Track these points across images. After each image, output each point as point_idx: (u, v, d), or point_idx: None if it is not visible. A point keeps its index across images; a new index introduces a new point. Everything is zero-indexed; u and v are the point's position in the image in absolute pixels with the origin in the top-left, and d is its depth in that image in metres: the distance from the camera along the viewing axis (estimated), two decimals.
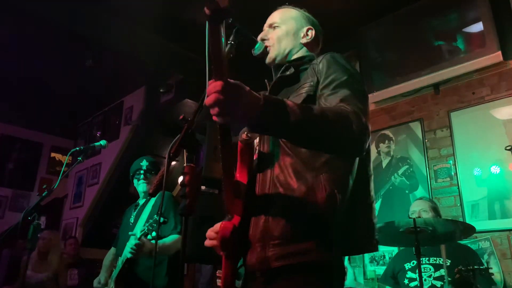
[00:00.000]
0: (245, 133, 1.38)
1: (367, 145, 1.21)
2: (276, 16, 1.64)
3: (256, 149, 1.47)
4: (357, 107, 1.20)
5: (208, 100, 0.97)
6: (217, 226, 1.43)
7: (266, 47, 1.58)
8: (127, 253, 2.69)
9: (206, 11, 0.88)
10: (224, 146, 1.17)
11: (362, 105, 1.24)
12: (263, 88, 1.68)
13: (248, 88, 1.03)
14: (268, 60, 1.60)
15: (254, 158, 1.46)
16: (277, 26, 1.61)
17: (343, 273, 1.30)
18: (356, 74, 1.38)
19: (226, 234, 1.27)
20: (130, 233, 2.77)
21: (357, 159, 1.33)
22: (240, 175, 1.39)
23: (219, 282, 1.45)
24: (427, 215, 2.86)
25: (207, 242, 1.42)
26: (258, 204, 1.33)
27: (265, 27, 1.64)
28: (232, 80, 0.98)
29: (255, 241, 1.29)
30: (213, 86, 0.96)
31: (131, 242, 2.68)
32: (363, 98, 1.30)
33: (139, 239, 2.66)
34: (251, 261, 1.30)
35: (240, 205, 1.33)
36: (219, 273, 1.46)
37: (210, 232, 1.42)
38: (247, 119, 1.03)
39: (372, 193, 1.38)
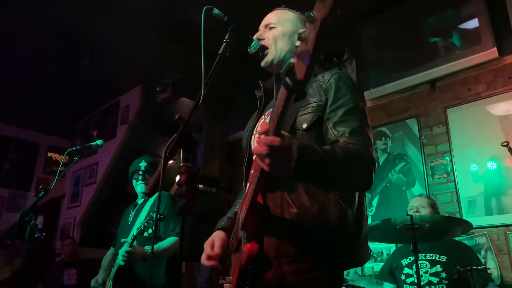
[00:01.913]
0: None
1: (373, 177, 1.31)
2: (272, 17, 1.63)
3: None
4: (367, 142, 1.32)
5: (261, 150, 1.04)
6: (216, 242, 1.50)
7: (261, 46, 1.57)
8: (119, 261, 2.70)
9: (288, 81, 0.92)
10: (261, 182, 1.22)
11: (369, 134, 1.36)
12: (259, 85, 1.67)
13: (294, 142, 1.09)
14: (264, 63, 1.59)
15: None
16: (273, 27, 1.60)
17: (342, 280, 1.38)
18: (361, 97, 1.44)
19: (253, 256, 1.29)
20: (122, 239, 2.77)
21: None
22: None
23: (227, 286, 1.44)
24: (425, 211, 2.87)
25: (207, 263, 1.47)
26: (271, 222, 1.35)
27: (261, 27, 1.63)
28: (285, 135, 1.06)
29: (270, 258, 1.31)
30: (271, 140, 1.03)
31: (123, 249, 2.68)
32: (368, 126, 1.39)
33: (131, 246, 2.66)
34: (267, 277, 1.31)
35: (258, 223, 1.34)
36: (228, 279, 1.45)
37: (211, 253, 1.47)
38: (284, 172, 1.11)
39: (366, 205, 1.45)
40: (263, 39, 1.58)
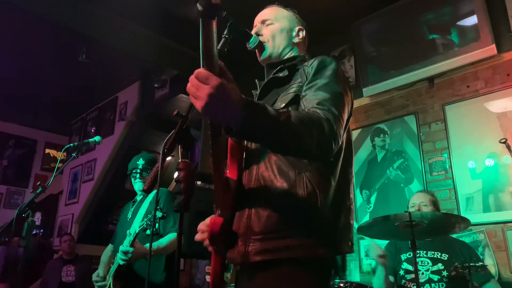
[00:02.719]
0: None
1: (334, 151, 1.21)
2: (269, 13, 1.64)
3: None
4: (331, 113, 1.22)
5: (189, 89, 1.01)
6: (209, 219, 1.45)
7: (260, 42, 1.58)
8: (119, 260, 2.69)
9: (199, 7, 0.89)
10: (214, 143, 1.19)
11: (337, 110, 1.25)
12: (255, 81, 1.67)
13: (233, 89, 1.02)
14: (263, 57, 1.60)
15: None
16: (271, 23, 1.61)
17: (327, 274, 1.32)
18: (340, 78, 1.38)
19: (215, 229, 1.28)
20: (128, 231, 2.76)
21: (340, 161, 1.36)
22: (230, 172, 1.40)
23: (208, 278, 1.46)
24: (427, 209, 2.84)
25: (198, 236, 1.44)
26: (242, 199, 1.36)
27: (257, 22, 1.64)
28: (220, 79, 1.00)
29: (238, 236, 1.31)
30: (197, 71, 0.99)
31: (122, 248, 2.66)
32: (341, 102, 1.30)
33: (131, 245, 2.65)
34: (232, 255, 1.32)
35: (230, 200, 1.34)
36: (208, 269, 1.47)
37: (202, 226, 1.45)
38: (225, 119, 1.05)
39: (352, 195, 1.41)
40: (261, 35, 1.60)
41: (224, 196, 1.32)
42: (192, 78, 0.99)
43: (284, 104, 1.37)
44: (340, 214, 1.33)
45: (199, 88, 0.98)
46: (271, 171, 1.32)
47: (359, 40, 4.43)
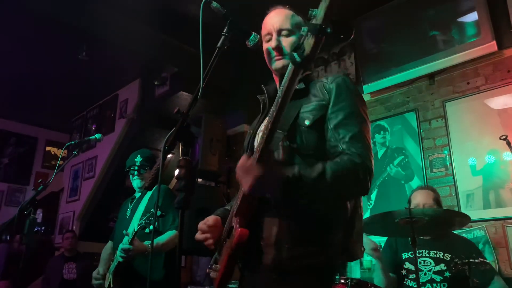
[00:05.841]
0: None
1: (370, 186, 1.36)
2: (284, 22, 1.53)
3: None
4: (364, 153, 1.34)
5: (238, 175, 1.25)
6: (209, 219, 1.53)
7: (279, 48, 1.50)
8: (118, 257, 2.70)
9: (297, 58, 0.97)
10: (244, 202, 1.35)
11: (368, 140, 1.39)
12: (259, 81, 1.66)
13: (272, 171, 1.24)
14: (281, 69, 1.49)
15: None
16: (289, 34, 1.52)
17: (334, 279, 1.45)
18: (362, 101, 1.48)
19: (243, 240, 1.32)
20: (124, 231, 2.77)
21: None
22: None
23: (213, 274, 1.47)
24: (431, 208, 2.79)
25: (200, 236, 1.51)
26: (269, 207, 1.39)
27: (271, 30, 1.54)
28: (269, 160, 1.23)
29: (269, 244, 1.35)
30: (249, 165, 1.23)
31: (121, 246, 2.68)
32: (368, 133, 1.42)
33: (130, 243, 2.66)
34: (265, 263, 1.36)
35: (253, 210, 1.39)
36: (215, 267, 1.47)
37: (202, 225, 1.51)
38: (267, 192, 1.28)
39: (361, 203, 1.50)
40: (282, 48, 1.51)
41: (249, 206, 1.36)
42: (238, 167, 1.25)
43: (308, 123, 1.40)
44: (355, 221, 1.40)
45: (242, 178, 1.24)
46: None
47: (360, 37, 4.43)
